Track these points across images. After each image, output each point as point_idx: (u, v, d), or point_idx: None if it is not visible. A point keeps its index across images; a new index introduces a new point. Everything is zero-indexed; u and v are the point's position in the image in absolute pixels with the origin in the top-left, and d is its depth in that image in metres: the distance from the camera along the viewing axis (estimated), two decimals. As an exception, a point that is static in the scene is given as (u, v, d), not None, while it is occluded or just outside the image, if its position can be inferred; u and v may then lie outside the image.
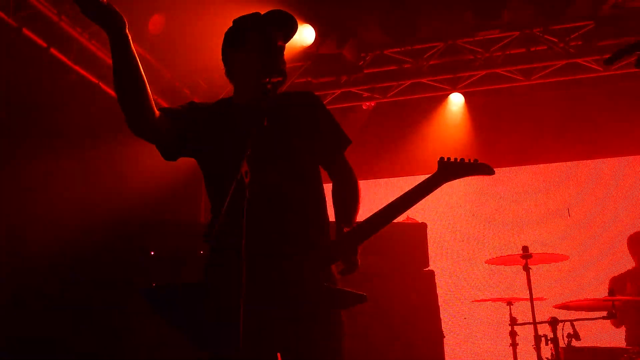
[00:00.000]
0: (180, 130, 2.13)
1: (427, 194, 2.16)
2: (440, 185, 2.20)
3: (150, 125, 2.03)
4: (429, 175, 2.22)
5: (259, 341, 1.71)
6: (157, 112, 2.04)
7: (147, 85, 1.98)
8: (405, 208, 2.11)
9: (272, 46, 2.16)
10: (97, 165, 5.47)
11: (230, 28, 2.26)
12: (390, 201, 2.14)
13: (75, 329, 4.55)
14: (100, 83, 5.71)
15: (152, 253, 4.20)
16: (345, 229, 2.09)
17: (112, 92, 5.92)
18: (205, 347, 1.86)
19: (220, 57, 2.27)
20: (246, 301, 1.56)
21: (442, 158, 2.24)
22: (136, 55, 1.95)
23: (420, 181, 2.20)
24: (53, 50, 5.08)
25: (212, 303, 1.80)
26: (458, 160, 2.25)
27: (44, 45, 5.00)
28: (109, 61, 5.51)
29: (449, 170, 2.22)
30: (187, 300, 1.81)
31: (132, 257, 4.31)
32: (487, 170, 2.29)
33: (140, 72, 1.95)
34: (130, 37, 1.92)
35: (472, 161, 2.27)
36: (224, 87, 6.66)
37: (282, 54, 2.18)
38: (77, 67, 5.38)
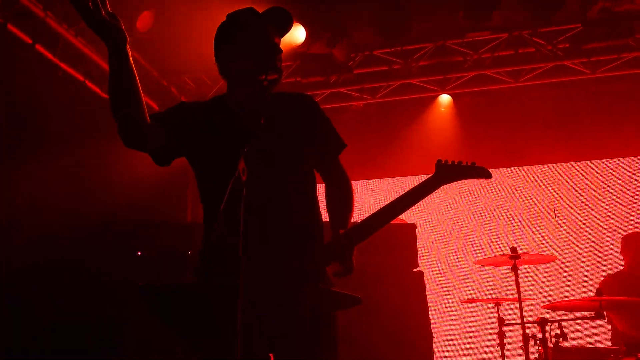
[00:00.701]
0: (173, 135, 2.09)
1: (425, 196, 2.15)
2: (438, 188, 2.18)
3: (143, 138, 2.01)
4: (422, 178, 2.21)
5: (254, 342, 1.68)
6: (149, 121, 2.01)
7: (143, 99, 1.95)
8: (402, 210, 2.10)
9: (269, 43, 2.12)
10: (83, 164, 5.40)
11: (225, 23, 2.20)
12: (386, 203, 2.12)
13: (62, 329, 4.48)
14: (86, 80, 5.63)
15: (139, 253, 4.16)
16: (341, 231, 2.07)
17: (98, 90, 5.85)
18: (200, 348, 1.83)
19: (213, 54, 2.21)
20: (243, 302, 1.54)
21: (439, 160, 2.23)
22: (134, 70, 1.93)
23: (408, 182, 2.19)
24: (38, 47, 5.00)
25: (209, 303, 1.77)
26: (456, 163, 2.23)
27: (29, 41, 4.92)
28: (95, 58, 5.50)
29: (447, 172, 2.21)
30: (184, 300, 1.78)
31: (119, 257, 4.26)
32: (484, 174, 2.28)
33: (137, 87, 1.93)
34: (130, 53, 1.90)
35: (469, 164, 2.26)
36: (212, 87, 6.63)
37: (279, 51, 2.14)
38: (62, 64, 5.30)
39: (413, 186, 2.16)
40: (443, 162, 2.23)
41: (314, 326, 1.88)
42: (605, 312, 4.16)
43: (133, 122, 1.95)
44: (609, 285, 4.87)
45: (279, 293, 1.85)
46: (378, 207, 2.14)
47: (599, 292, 4.21)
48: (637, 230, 5.30)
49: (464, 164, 2.25)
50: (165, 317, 1.79)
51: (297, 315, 1.85)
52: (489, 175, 2.28)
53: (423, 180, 2.19)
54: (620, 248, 5.08)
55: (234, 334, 1.50)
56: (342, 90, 6.59)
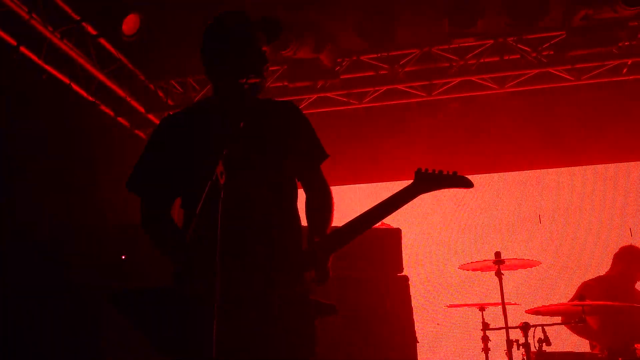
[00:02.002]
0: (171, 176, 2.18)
1: (402, 205, 2.15)
2: (415, 197, 2.18)
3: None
4: (406, 184, 2.22)
5: (228, 348, 1.67)
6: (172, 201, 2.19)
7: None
8: (379, 218, 2.10)
9: (252, 46, 2.13)
10: (69, 167, 5.35)
11: (213, 24, 2.20)
12: (363, 210, 2.13)
13: (46, 333, 4.44)
14: (71, 83, 5.60)
15: (124, 257, 4.13)
16: (316, 239, 2.07)
17: (83, 93, 5.82)
18: (173, 353, 1.82)
19: (200, 58, 2.22)
20: (219, 308, 1.53)
21: (419, 169, 2.22)
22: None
23: (393, 188, 2.19)
24: (23, 49, 4.96)
25: (184, 308, 1.76)
26: (436, 172, 2.22)
27: (14, 43, 4.88)
28: (81, 61, 5.47)
29: (426, 181, 2.20)
30: (158, 305, 1.77)
31: (103, 260, 4.23)
32: (465, 183, 2.26)
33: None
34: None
35: (450, 173, 2.25)
36: (199, 91, 6.62)
37: (263, 56, 2.15)
38: (48, 67, 5.26)
39: (391, 194, 2.16)
40: (423, 170, 2.22)
41: (290, 332, 1.88)
42: (588, 318, 4.21)
43: None
44: (589, 289, 4.92)
45: (253, 298, 1.85)
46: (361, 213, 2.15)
47: (581, 297, 4.26)
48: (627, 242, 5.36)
49: (445, 173, 2.24)
50: (138, 322, 1.78)
51: (272, 321, 1.85)
52: (470, 185, 2.26)
53: (402, 188, 2.20)
54: (615, 252, 5.13)
55: (207, 339, 1.49)
56: (329, 95, 6.61)
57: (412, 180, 2.23)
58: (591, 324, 4.84)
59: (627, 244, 5.26)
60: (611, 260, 5.13)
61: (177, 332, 1.78)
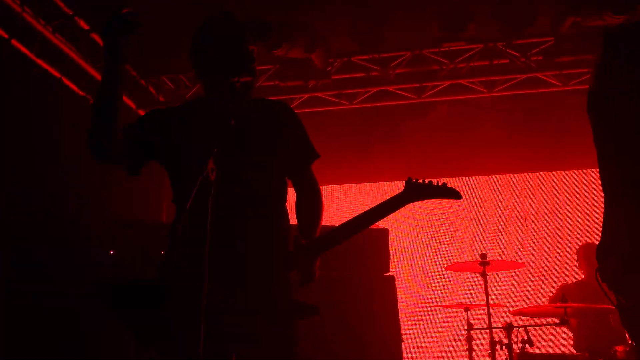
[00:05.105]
0: (143, 143, 2.15)
1: (392, 212, 2.19)
2: (404, 205, 2.22)
3: (114, 156, 2.06)
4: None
5: (209, 345, 1.70)
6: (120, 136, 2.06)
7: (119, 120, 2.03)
8: (367, 225, 2.14)
9: (242, 45, 2.16)
10: (57, 162, 5.34)
11: (203, 25, 2.23)
12: (352, 212, 2.17)
13: (31, 328, 4.43)
14: (63, 78, 5.58)
15: (112, 252, 4.14)
16: (303, 241, 2.11)
17: (75, 88, 5.81)
18: (155, 346, 1.84)
19: (189, 55, 2.25)
20: (205, 303, 1.56)
21: (410, 179, 2.25)
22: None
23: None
24: (14, 42, 4.94)
25: (167, 301, 1.79)
26: (426, 183, 2.25)
27: (5, 36, 4.86)
28: (73, 55, 5.46)
29: (415, 191, 2.24)
30: (141, 296, 1.80)
31: (91, 256, 4.23)
32: (453, 195, 2.29)
33: (119, 106, 2.01)
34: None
35: (440, 184, 2.27)
36: (190, 88, 6.63)
37: (253, 60, 2.17)
38: (39, 61, 5.25)
39: (380, 201, 2.20)
40: (414, 180, 2.25)
41: (268, 332, 1.92)
42: (570, 320, 4.29)
43: (107, 141, 2.02)
44: (568, 291, 5.00)
45: (233, 296, 1.88)
46: (354, 211, 2.19)
47: (564, 298, 4.33)
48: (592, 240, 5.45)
49: (435, 184, 2.26)
50: (119, 312, 1.81)
51: (251, 320, 1.88)
52: (458, 197, 2.29)
53: (392, 195, 2.24)
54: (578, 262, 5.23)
55: (189, 334, 1.52)
56: (320, 95, 6.64)
57: (402, 186, 2.27)
58: (571, 328, 4.93)
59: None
60: (581, 262, 5.20)
61: (159, 326, 1.80)
